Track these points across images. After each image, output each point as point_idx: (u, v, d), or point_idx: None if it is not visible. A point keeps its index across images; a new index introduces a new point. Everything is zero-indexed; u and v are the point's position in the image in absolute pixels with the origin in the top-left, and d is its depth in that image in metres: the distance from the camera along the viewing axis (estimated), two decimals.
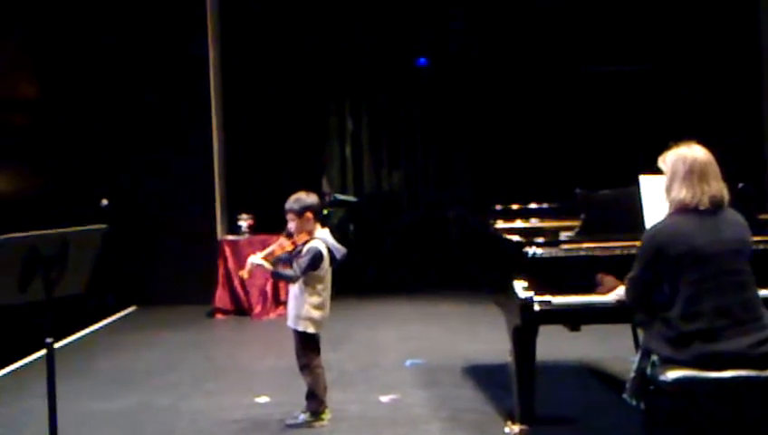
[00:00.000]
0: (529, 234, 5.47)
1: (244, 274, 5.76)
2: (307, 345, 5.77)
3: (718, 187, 4.10)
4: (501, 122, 12.43)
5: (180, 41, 10.80)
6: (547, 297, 4.75)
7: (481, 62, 12.47)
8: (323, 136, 13.28)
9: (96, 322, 9.81)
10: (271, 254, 5.69)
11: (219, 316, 10.07)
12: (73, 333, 9.14)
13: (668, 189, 4.18)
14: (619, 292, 4.49)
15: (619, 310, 4.56)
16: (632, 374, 4.20)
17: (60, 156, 9.90)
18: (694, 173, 4.09)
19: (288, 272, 5.76)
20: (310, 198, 5.77)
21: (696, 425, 4.02)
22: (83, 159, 10.35)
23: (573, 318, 4.90)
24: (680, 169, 4.13)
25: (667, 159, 4.21)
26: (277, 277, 6.38)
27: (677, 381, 3.94)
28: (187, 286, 10.59)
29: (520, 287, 4.81)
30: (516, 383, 5.17)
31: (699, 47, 11.52)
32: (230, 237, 10.37)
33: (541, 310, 4.74)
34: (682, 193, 4.10)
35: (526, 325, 4.87)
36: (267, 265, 5.64)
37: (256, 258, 5.64)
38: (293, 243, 5.72)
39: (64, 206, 9.20)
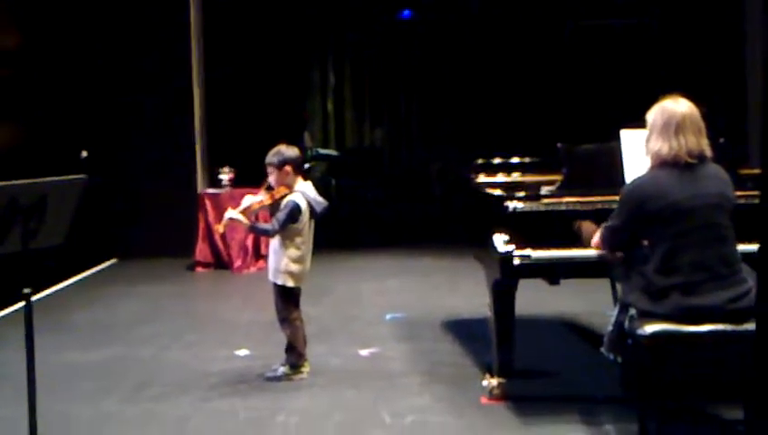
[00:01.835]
0: (510, 188, 5.47)
1: (220, 228, 5.75)
2: (286, 299, 5.77)
3: (696, 140, 4.08)
4: (484, 76, 12.41)
5: None
6: (527, 251, 4.75)
7: (465, 15, 12.41)
8: (305, 90, 13.23)
9: (75, 274, 9.78)
10: (249, 208, 5.63)
11: (199, 269, 10.06)
12: (52, 285, 9.11)
13: (647, 141, 4.18)
14: (595, 239, 4.50)
15: (599, 264, 4.57)
16: (610, 328, 4.22)
17: (39, 108, 9.80)
18: (671, 126, 4.08)
19: (266, 226, 5.72)
20: (289, 152, 5.72)
21: (673, 378, 4.05)
22: (63, 111, 10.25)
23: (552, 272, 4.90)
24: (658, 121, 4.13)
25: (650, 112, 4.20)
26: (255, 232, 6.31)
27: (655, 334, 3.96)
28: (167, 239, 10.56)
29: (500, 241, 4.80)
30: (495, 337, 5.19)
31: (683, 1, 11.49)
32: (210, 191, 10.33)
33: (520, 264, 4.75)
34: (658, 145, 4.10)
35: (506, 279, 4.88)
36: (244, 219, 5.58)
37: (233, 213, 5.58)
38: (272, 196, 5.68)
39: (44, 157, 9.12)
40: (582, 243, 4.68)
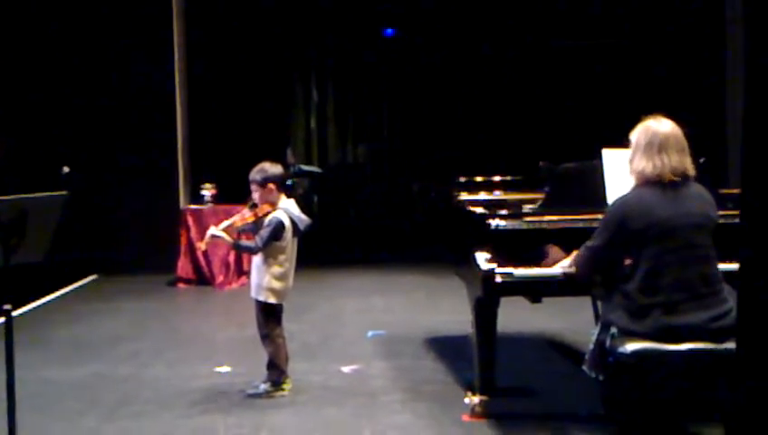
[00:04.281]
0: (492, 206, 5.49)
1: (202, 245, 5.74)
2: (268, 316, 5.76)
3: (680, 160, 4.11)
4: (468, 95, 12.45)
5: (144, 10, 10.69)
6: (509, 269, 4.76)
7: (449, 34, 12.47)
8: (289, 106, 13.24)
9: (56, 290, 9.73)
10: (232, 225, 5.64)
11: (181, 286, 10.04)
12: (33, 301, 9.07)
13: (631, 160, 4.21)
14: (564, 264, 4.52)
15: (580, 283, 4.58)
16: (591, 346, 4.22)
17: (21, 123, 9.78)
18: (654, 145, 4.11)
19: (249, 243, 5.73)
20: (273, 169, 5.73)
21: (654, 397, 4.05)
22: (45, 127, 10.23)
23: (534, 290, 4.91)
24: (642, 140, 4.16)
25: (634, 132, 4.23)
26: (238, 249, 6.32)
27: (636, 353, 3.97)
28: (149, 255, 10.55)
29: (482, 259, 4.81)
30: (477, 355, 5.20)
31: (664, 22, 11.57)
32: (193, 207, 10.31)
33: (502, 281, 4.75)
34: (641, 164, 4.13)
35: (488, 297, 4.88)
36: (227, 236, 5.59)
37: (216, 230, 5.60)
38: (255, 214, 5.68)
39: (25, 173, 9.10)
40: (544, 263, 4.70)
